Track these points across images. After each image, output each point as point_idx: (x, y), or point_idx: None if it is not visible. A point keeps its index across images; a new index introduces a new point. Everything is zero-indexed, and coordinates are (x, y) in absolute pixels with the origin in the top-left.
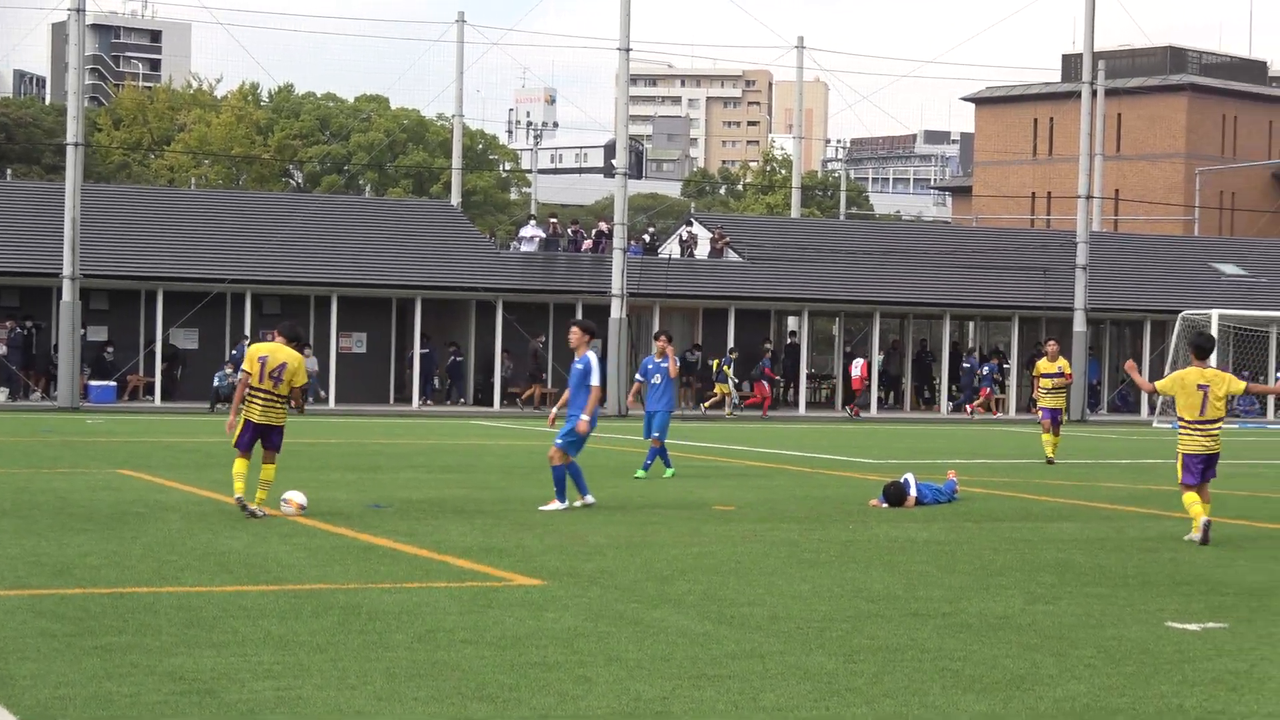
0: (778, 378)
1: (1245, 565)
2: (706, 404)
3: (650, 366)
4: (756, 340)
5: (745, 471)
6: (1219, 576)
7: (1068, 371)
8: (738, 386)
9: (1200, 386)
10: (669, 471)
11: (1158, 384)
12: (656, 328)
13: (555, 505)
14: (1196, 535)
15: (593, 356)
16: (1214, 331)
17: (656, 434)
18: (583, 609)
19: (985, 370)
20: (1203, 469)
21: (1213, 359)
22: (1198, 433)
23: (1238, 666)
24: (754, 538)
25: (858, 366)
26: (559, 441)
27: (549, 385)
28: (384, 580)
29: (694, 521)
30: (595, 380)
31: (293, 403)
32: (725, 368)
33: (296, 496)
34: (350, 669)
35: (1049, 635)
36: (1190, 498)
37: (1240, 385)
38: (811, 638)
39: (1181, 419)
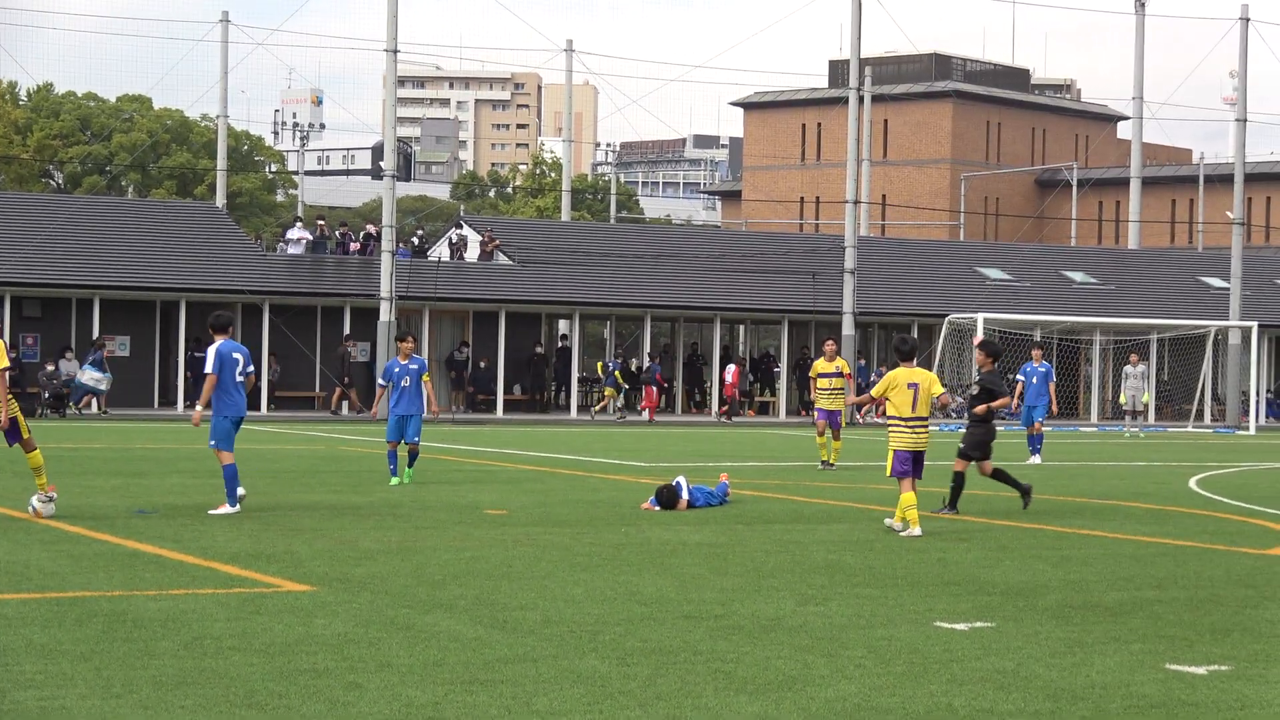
0: (666, 383)
1: (1011, 565)
2: (596, 408)
3: (397, 370)
4: (527, 344)
5: (517, 475)
6: (986, 577)
7: (846, 371)
8: (626, 392)
9: (911, 385)
10: (409, 475)
11: (873, 391)
12: (427, 331)
13: (225, 509)
14: (916, 531)
15: (211, 349)
16: (979, 334)
17: (417, 439)
18: (353, 615)
19: None
20: (912, 464)
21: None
22: (907, 429)
23: (1005, 665)
24: (526, 541)
25: (730, 372)
26: (211, 443)
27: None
28: (149, 587)
29: (466, 526)
30: (207, 368)
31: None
32: (614, 371)
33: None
34: (115, 678)
35: (820, 636)
36: (909, 498)
37: (940, 388)
38: (584, 641)
39: (893, 417)
